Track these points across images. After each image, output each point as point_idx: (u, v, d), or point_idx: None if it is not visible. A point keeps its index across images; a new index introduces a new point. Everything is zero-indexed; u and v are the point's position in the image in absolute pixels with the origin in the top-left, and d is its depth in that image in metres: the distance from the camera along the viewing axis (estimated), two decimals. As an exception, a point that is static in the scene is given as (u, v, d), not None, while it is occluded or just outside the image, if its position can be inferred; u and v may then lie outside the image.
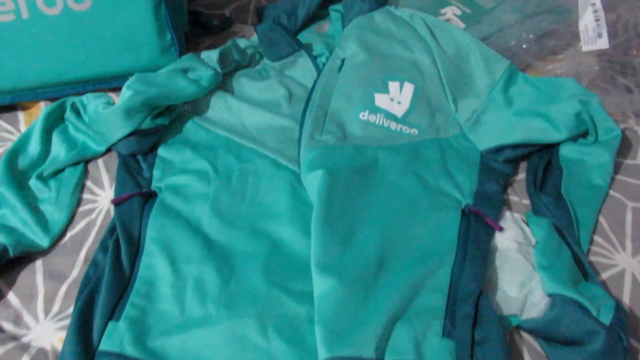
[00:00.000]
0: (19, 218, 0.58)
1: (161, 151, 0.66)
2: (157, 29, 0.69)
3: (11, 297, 0.54)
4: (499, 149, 0.65)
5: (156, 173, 0.64)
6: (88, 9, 0.65)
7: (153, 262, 0.54)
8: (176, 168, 0.64)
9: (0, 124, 0.71)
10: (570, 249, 0.54)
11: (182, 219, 0.58)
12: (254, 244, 0.56)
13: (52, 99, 0.72)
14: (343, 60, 0.72)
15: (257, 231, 0.57)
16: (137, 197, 0.60)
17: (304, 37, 0.79)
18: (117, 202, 0.59)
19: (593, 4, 0.73)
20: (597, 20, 0.73)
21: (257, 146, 0.66)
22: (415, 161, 0.63)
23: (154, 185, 0.63)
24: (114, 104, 0.67)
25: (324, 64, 0.73)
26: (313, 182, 0.58)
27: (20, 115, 0.73)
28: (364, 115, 0.67)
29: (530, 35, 0.76)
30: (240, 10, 0.93)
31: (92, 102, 0.69)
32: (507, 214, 0.58)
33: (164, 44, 0.71)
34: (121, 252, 0.54)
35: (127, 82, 0.66)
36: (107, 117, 0.65)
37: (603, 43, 0.72)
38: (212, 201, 0.59)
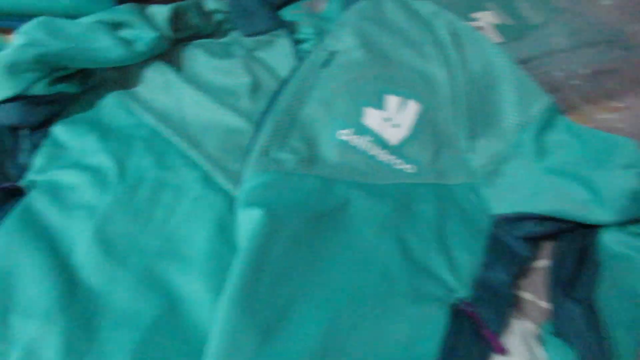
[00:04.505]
0: None
1: (57, 129, 0.47)
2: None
3: None
4: (519, 218, 0.47)
5: (38, 160, 0.45)
6: None
7: None
8: (69, 158, 0.45)
9: None
10: None
11: (44, 240, 0.39)
12: (139, 302, 0.37)
13: None
14: (332, 54, 0.53)
15: (152, 279, 0.38)
16: None
17: (290, 13, 0.60)
18: None
19: (675, 45, 0.55)
20: (677, 67, 0.54)
21: (192, 149, 0.47)
22: (402, 216, 0.44)
23: (28, 177, 0.44)
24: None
25: (307, 53, 0.54)
26: (246, 225, 0.39)
27: None
28: (345, 135, 0.49)
29: (584, 69, 0.57)
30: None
31: None
32: (516, 325, 0.40)
33: (95, -18, 0.52)
34: None
35: (23, 26, 0.47)
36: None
37: (679, 99, 0.54)
38: (101, 219, 0.41)
